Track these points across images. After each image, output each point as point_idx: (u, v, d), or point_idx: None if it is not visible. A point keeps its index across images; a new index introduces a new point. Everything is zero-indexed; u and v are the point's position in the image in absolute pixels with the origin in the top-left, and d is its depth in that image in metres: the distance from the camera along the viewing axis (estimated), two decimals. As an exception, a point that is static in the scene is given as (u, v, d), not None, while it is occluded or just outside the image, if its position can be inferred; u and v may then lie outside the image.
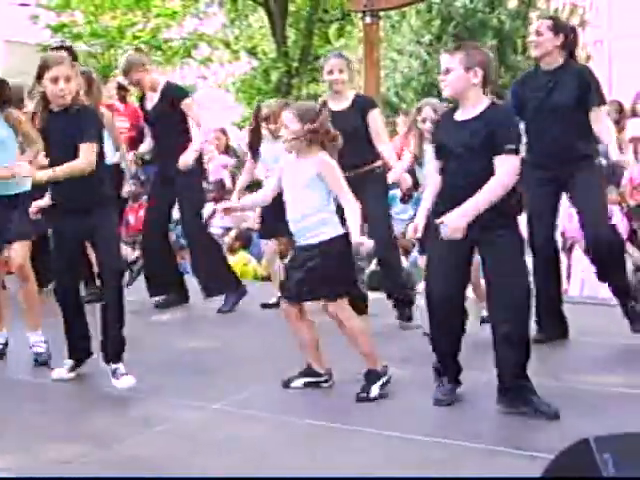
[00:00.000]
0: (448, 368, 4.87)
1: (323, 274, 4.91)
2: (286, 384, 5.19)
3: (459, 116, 4.69)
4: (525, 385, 4.63)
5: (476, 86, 4.61)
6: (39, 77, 5.08)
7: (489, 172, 4.47)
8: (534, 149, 5.94)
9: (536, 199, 5.90)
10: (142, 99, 7.49)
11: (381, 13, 10.87)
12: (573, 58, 6.05)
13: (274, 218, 6.65)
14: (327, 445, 4.33)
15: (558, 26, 5.99)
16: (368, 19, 10.31)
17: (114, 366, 5.18)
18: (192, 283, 7.59)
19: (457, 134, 4.63)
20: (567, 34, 5.98)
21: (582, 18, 15.68)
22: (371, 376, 5.01)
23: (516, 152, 4.52)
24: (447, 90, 4.69)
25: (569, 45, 5.99)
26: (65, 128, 5.07)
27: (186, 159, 7.07)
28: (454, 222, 4.42)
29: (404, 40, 16.35)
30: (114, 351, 5.19)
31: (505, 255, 4.57)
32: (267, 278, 9.43)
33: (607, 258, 5.87)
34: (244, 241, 10.19)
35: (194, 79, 24.09)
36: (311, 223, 4.93)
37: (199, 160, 7.33)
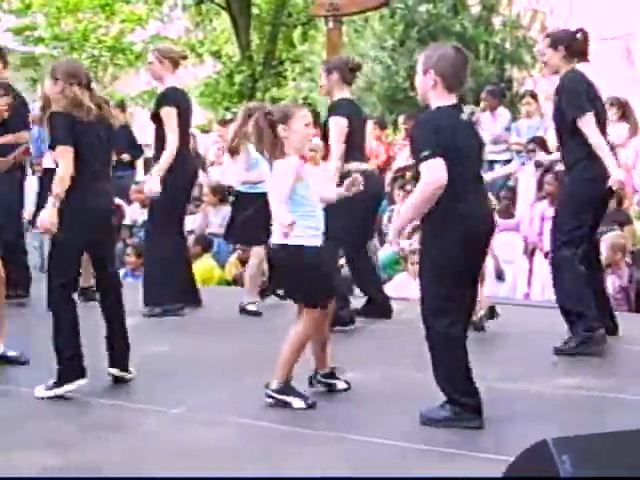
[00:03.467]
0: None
1: None
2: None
3: None
4: None
5: (434, 88, 4.53)
6: None
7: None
8: None
9: None
10: None
11: (344, 18, 10.91)
12: (585, 59, 6.13)
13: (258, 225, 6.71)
14: (284, 448, 4.35)
15: (555, 40, 6.09)
16: (331, 24, 10.38)
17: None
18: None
19: None
20: (568, 42, 6.04)
21: (543, 24, 15.78)
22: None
23: (427, 157, 4.37)
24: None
25: (575, 51, 6.06)
26: None
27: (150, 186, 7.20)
28: None
29: (367, 45, 16.35)
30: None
31: None
32: (232, 283, 9.48)
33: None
34: (204, 245, 10.17)
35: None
36: None
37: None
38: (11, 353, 5.83)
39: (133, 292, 7.38)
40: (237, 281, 9.35)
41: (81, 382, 5.17)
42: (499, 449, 4.12)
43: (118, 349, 5.41)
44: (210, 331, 6.87)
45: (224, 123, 12.69)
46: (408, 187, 9.48)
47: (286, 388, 4.93)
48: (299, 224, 4.71)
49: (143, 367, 5.59)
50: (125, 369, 5.42)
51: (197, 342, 6.49)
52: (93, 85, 5.39)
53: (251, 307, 7.46)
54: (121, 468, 4.15)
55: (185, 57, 7.73)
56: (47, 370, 5.24)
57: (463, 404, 4.50)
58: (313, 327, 4.94)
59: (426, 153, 4.37)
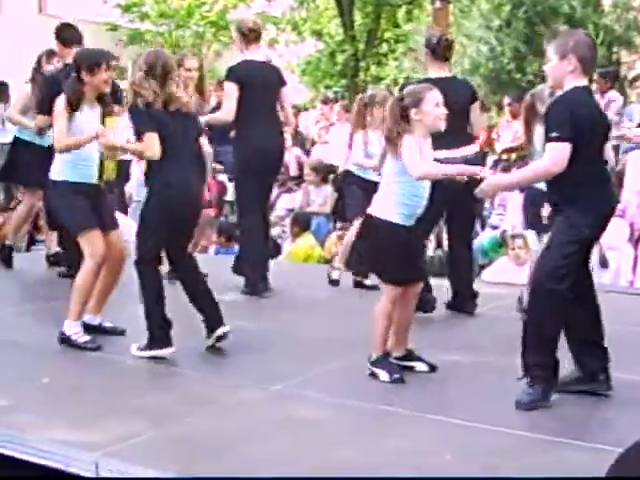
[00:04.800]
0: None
1: None
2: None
3: None
4: None
5: (572, 73, 4.60)
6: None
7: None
8: None
9: None
10: None
11: (451, -3, 10.78)
12: None
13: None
14: (384, 429, 4.34)
15: None
16: (438, 3, 10.30)
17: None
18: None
19: None
20: None
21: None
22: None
23: (558, 139, 4.48)
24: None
25: None
26: None
27: None
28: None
29: (473, 25, 16.16)
30: None
31: None
32: (331, 261, 9.45)
33: None
34: (302, 224, 10.20)
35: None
36: None
37: None
38: (108, 324, 5.95)
39: (225, 268, 7.48)
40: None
41: (169, 350, 5.36)
42: (608, 439, 4.03)
43: (211, 312, 5.58)
44: (306, 309, 6.89)
45: (327, 102, 12.70)
46: (513, 170, 9.32)
47: (380, 360, 5.03)
48: (402, 201, 4.92)
49: (239, 344, 5.64)
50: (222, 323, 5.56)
51: (293, 320, 6.51)
52: (174, 75, 5.43)
53: (334, 275, 7.57)
54: (218, 442, 4.20)
55: (252, 30, 7.38)
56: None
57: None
58: (392, 303, 5.00)
59: (555, 135, 4.49)
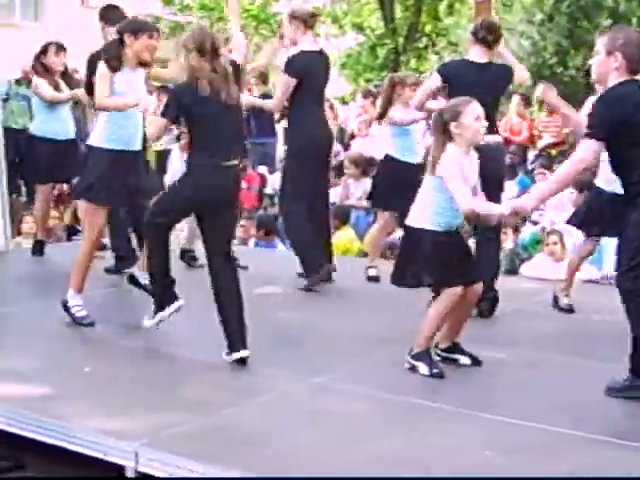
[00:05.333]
0: None
1: None
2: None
3: None
4: None
5: (617, 70, 4.59)
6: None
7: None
8: None
9: None
10: None
11: (493, -9, 10.71)
12: None
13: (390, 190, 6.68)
14: (424, 424, 4.33)
15: None
16: (480, -4, 10.18)
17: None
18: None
19: None
20: None
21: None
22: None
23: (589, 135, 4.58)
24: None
25: None
26: None
27: None
28: None
29: (515, 19, 16.06)
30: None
31: None
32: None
33: None
34: (342, 217, 10.19)
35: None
36: None
37: None
38: (144, 281, 5.99)
39: (265, 261, 7.48)
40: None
41: (178, 304, 5.44)
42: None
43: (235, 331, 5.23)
44: (347, 302, 6.89)
45: (367, 95, 12.66)
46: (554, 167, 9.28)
47: (421, 354, 5.03)
48: (439, 214, 4.95)
49: (279, 336, 5.65)
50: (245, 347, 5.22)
51: (333, 312, 6.51)
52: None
53: (371, 272, 7.51)
54: (257, 433, 4.22)
55: (314, 15, 7.35)
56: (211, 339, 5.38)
57: None
58: (449, 306, 4.97)
59: (586, 131, 4.58)
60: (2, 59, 8.86)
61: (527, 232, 9.41)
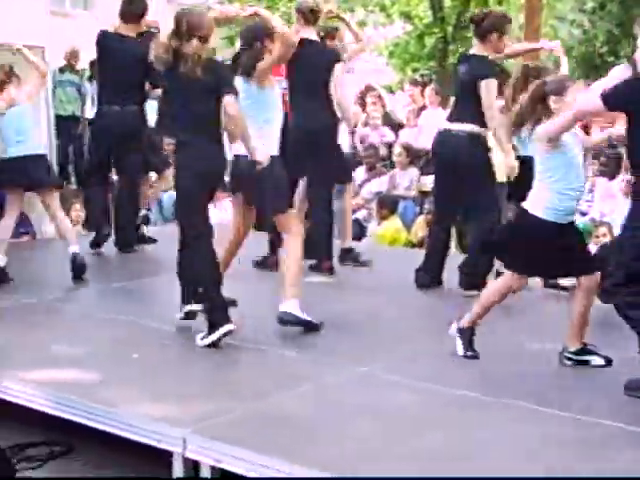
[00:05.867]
0: None
1: None
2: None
3: None
4: None
5: None
6: None
7: None
8: None
9: None
10: None
11: (545, -21, 10.60)
12: None
13: None
14: (472, 418, 4.30)
15: None
16: (531, -15, 10.07)
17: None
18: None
19: None
20: None
21: None
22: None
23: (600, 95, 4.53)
24: None
25: None
26: None
27: None
28: None
29: (566, 7, 15.90)
30: None
31: None
32: (417, 245, 9.38)
33: None
34: (389, 207, 10.16)
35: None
36: None
37: None
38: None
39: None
40: (423, 244, 9.28)
41: (229, 327, 5.25)
42: None
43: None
44: (392, 293, 6.86)
45: (416, 84, 12.61)
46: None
47: (465, 332, 5.08)
48: (554, 198, 4.85)
49: (325, 325, 5.64)
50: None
51: (380, 302, 6.47)
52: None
53: None
54: (304, 422, 4.24)
55: (314, 11, 7.26)
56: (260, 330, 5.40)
57: None
58: (509, 287, 5.00)
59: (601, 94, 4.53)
60: (53, 48, 8.89)
61: (576, 223, 9.30)
